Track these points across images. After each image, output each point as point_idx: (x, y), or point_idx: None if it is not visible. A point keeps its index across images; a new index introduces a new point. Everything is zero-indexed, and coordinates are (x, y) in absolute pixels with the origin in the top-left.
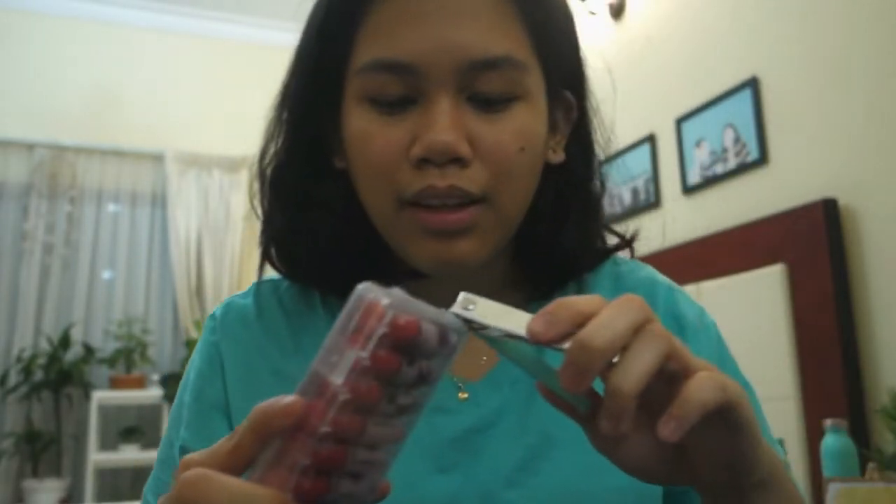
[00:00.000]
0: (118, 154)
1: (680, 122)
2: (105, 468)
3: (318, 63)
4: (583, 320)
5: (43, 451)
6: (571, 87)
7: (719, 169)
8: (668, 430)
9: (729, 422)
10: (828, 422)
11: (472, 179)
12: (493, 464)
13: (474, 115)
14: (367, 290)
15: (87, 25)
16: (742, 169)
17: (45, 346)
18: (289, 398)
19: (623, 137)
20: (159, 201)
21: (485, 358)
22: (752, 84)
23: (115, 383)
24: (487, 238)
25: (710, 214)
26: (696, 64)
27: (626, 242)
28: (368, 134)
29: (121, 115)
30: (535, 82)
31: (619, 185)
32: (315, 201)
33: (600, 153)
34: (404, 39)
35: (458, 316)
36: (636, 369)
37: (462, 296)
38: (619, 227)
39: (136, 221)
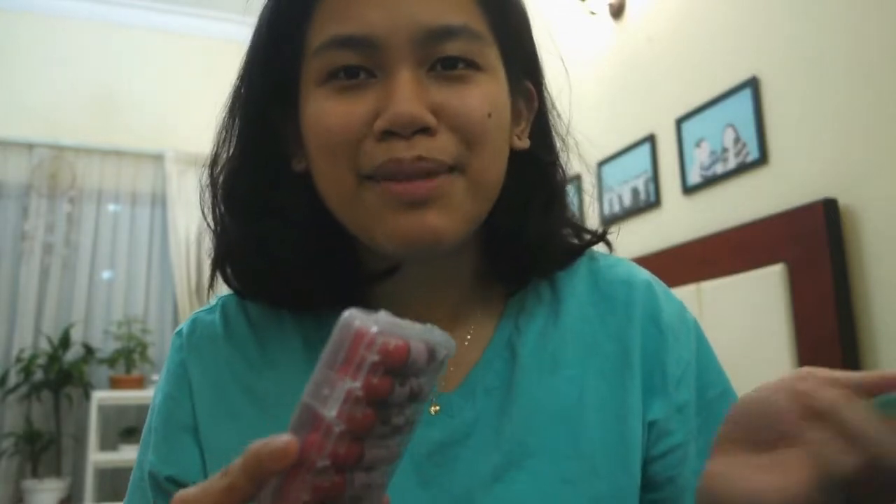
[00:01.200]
0: (118, 154)
1: (680, 122)
2: (105, 468)
3: (272, 56)
4: None
5: (43, 451)
6: (529, 75)
7: (719, 169)
8: None
9: None
10: None
11: (440, 149)
12: (470, 474)
13: (437, 86)
14: (352, 317)
15: (87, 25)
16: (742, 169)
17: (44, 346)
18: (283, 438)
19: (623, 137)
20: (159, 201)
21: (452, 369)
22: (752, 84)
23: (115, 383)
24: (460, 209)
25: (710, 214)
26: (696, 64)
27: (598, 238)
28: (326, 110)
29: (121, 115)
30: (494, 57)
31: (618, 185)
32: (273, 208)
33: (561, 143)
34: (361, 15)
35: None
36: None
37: None
38: (618, 228)
39: (135, 221)
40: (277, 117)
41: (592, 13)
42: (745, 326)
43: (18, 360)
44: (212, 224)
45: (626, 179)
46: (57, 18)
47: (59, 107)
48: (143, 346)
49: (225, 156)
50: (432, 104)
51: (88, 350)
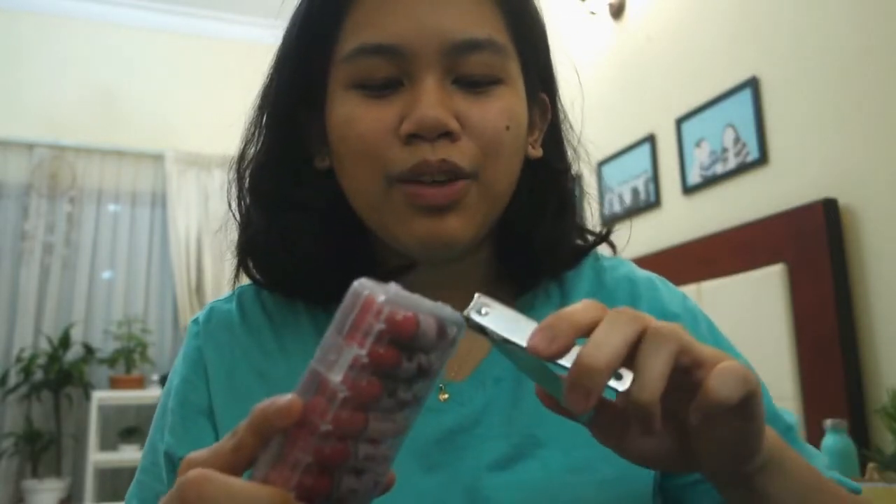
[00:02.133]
0: (118, 154)
1: (680, 122)
2: (105, 468)
3: (302, 60)
4: (581, 333)
5: (43, 451)
6: (545, 86)
7: (719, 169)
8: (696, 420)
9: (745, 412)
10: (828, 422)
11: (462, 154)
12: (477, 462)
13: (460, 96)
14: (362, 286)
15: (87, 25)
16: (742, 169)
17: (45, 346)
18: (288, 397)
19: (623, 137)
20: (159, 201)
21: (463, 359)
22: (752, 84)
23: (115, 383)
24: (475, 214)
25: (710, 214)
26: (696, 64)
27: (602, 239)
28: (355, 116)
29: (121, 115)
30: (514, 69)
31: (617, 186)
32: (296, 203)
33: (572, 153)
34: (390, 25)
35: (470, 321)
36: (653, 379)
37: (477, 298)
38: (628, 227)
39: (136, 221)
40: (304, 117)
41: (592, 13)
42: (745, 326)
43: (18, 359)
44: (237, 217)
45: (626, 179)
46: (57, 18)
47: (59, 107)
48: (143, 346)
49: (252, 151)
50: (456, 112)
51: (88, 350)
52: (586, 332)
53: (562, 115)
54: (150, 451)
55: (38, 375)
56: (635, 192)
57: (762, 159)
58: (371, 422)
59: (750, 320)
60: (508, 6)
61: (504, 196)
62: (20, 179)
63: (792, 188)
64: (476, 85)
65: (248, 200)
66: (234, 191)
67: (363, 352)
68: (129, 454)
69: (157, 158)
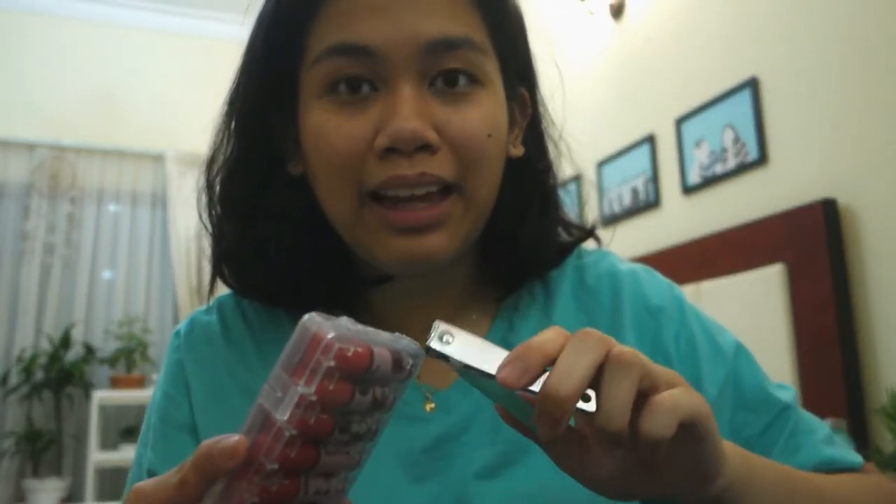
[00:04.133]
0: (119, 154)
1: (680, 122)
2: (105, 468)
3: (269, 61)
4: (550, 361)
5: (43, 450)
6: (524, 81)
7: (719, 169)
8: (644, 454)
9: (693, 434)
10: (827, 422)
11: (442, 165)
12: (466, 470)
13: (438, 103)
14: (311, 321)
15: (87, 25)
16: (742, 169)
17: (45, 345)
18: (234, 437)
19: (623, 137)
20: (160, 201)
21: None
22: (752, 84)
23: (115, 383)
24: (457, 230)
25: (709, 214)
26: (696, 64)
27: (588, 233)
28: (328, 127)
29: (121, 115)
30: (493, 68)
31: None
32: (269, 211)
33: (552, 148)
34: (362, 26)
35: (432, 351)
36: (619, 409)
37: (438, 326)
38: (616, 228)
39: (136, 221)
40: (274, 120)
41: (592, 13)
42: (744, 326)
43: (19, 359)
44: (208, 226)
45: (626, 179)
46: (58, 18)
47: (60, 107)
48: (144, 346)
49: (222, 158)
50: (434, 121)
51: (89, 350)
52: (554, 359)
53: (542, 110)
54: (136, 465)
55: (39, 375)
56: (635, 192)
57: (762, 159)
58: (323, 457)
59: (749, 320)
60: (486, 6)
61: (488, 205)
62: (21, 179)
63: (791, 188)
64: (454, 87)
65: (218, 210)
66: (203, 199)
67: (310, 389)
68: (130, 454)
69: (158, 158)
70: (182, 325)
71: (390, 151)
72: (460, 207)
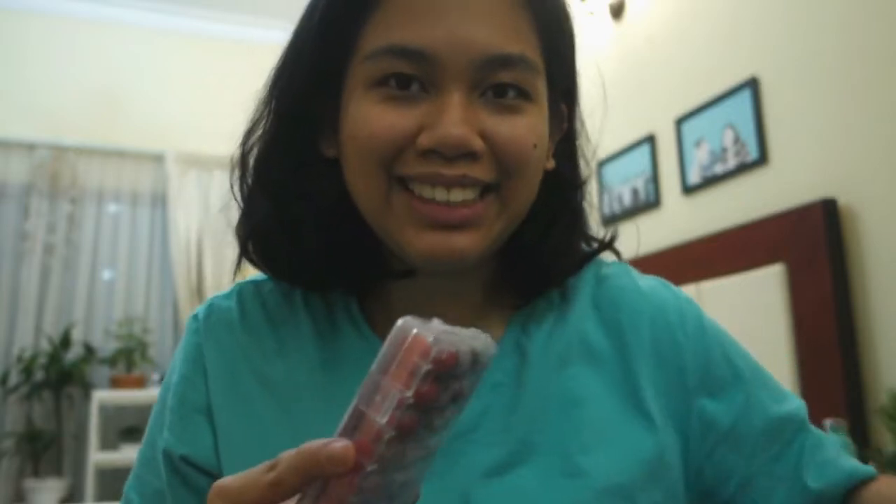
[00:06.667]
0: (119, 154)
1: (680, 122)
2: (105, 468)
3: (321, 49)
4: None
5: (43, 450)
6: (567, 97)
7: (719, 169)
8: None
9: None
10: (827, 422)
11: (483, 170)
12: (472, 469)
13: (486, 112)
14: (408, 324)
15: (87, 25)
16: (742, 169)
17: (45, 345)
18: (342, 443)
19: (623, 137)
20: (160, 201)
21: None
22: (752, 84)
23: (115, 383)
24: (489, 231)
25: (709, 214)
26: (696, 64)
27: (606, 245)
28: (371, 114)
29: (121, 115)
30: (542, 86)
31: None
32: (303, 192)
33: (585, 167)
34: (422, 29)
35: None
36: None
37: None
38: (613, 229)
39: (136, 221)
40: (315, 102)
41: (592, 13)
42: (744, 326)
43: (19, 359)
44: (239, 200)
45: (626, 179)
46: (58, 18)
47: (60, 107)
48: (144, 346)
49: (259, 133)
50: (481, 129)
51: (89, 350)
52: None
53: (578, 126)
54: (148, 446)
55: (39, 375)
56: (635, 192)
57: (762, 159)
58: (408, 451)
59: (749, 320)
60: (545, 21)
61: (522, 213)
62: (21, 179)
63: (791, 188)
64: (503, 98)
65: (250, 183)
66: (237, 172)
67: (409, 393)
68: (130, 454)
69: (158, 159)
70: (200, 309)
71: (432, 153)
72: (495, 209)
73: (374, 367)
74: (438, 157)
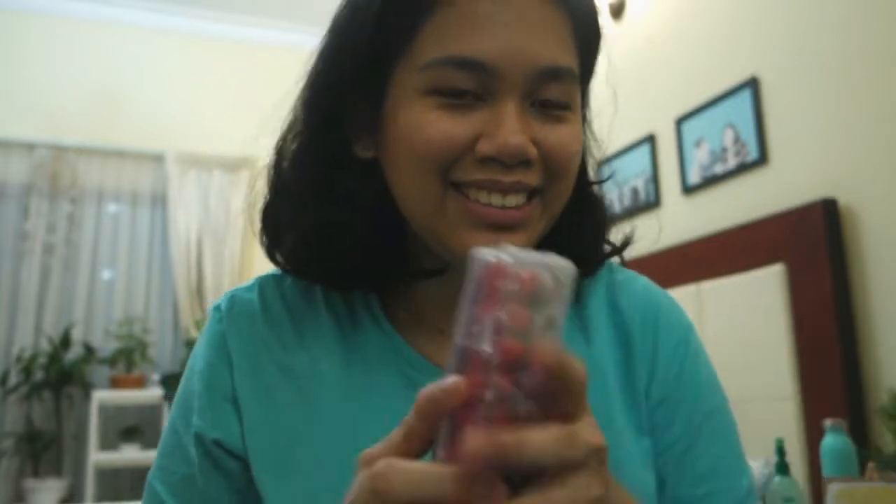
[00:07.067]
0: (119, 154)
1: (680, 122)
2: (105, 468)
3: (367, 53)
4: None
5: (43, 450)
6: (586, 104)
7: (719, 169)
8: None
9: None
10: (827, 422)
11: (534, 177)
12: None
13: (537, 121)
14: (485, 254)
15: (87, 25)
16: (742, 169)
17: (45, 345)
18: (452, 378)
19: (623, 137)
20: (160, 201)
21: None
22: (752, 84)
23: (115, 383)
24: (534, 232)
25: (709, 214)
26: (696, 64)
27: (619, 249)
28: (425, 121)
29: (121, 115)
30: (578, 96)
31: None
32: (337, 192)
33: (594, 165)
34: (482, 40)
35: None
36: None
37: None
38: (616, 229)
39: (136, 221)
40: (353, 103)
41: None
42: (744, 326)
43: (19, 359)
44: (268, 195)
45: (626, 179)
46: (58, 18)
47: (60, 107)
48: (144, 346)
49: (295, 131)
50: (533, 136)
51: (89, 350)
52: None
53: (589, 132)
54: (171, 435)
55: (39, 375)
56: (635, 192)
57: (762, 159)
58: (522, 381)
59: (749, 320)
60: (586, 38)
61: (557, 215)
62: (21, 179)
63: (791, 188)
64: (548, 106)
65: (282, 180)
66: (268, 171)
67: (503, 314)
68: (130, 454)
69: (158, 159)
70: (222, 300)
71: (491, 160)
72: (539, 210)
73: (464, 302)
74: (497, 164)
